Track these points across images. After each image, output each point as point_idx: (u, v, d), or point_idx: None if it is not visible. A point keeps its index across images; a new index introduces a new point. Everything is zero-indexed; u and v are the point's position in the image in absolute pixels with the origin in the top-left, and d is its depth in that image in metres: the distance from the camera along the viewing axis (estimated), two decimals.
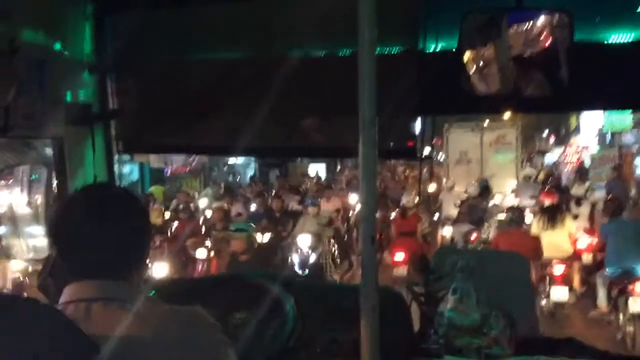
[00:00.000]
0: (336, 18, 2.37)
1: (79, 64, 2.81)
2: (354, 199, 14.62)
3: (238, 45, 2.81)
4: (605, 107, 5.48)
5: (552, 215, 8.70)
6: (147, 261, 1.56)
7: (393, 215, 11.82)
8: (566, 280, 8.34)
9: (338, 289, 2.59)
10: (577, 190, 10.84)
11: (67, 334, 1.10)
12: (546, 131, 45.32)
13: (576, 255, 8.98)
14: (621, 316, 7.24)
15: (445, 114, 2.73)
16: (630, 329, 7.05)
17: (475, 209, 11.35)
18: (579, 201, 10.40)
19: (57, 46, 2.65)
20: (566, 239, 8.65)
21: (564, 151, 31.02)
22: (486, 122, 20.82)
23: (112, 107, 2.99)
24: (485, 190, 13.42)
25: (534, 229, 8.77)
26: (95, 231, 1.41)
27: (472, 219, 10.73)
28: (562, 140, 39.41)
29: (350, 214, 14.11)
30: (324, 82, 2.60)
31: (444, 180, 17.55)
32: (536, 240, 8.32)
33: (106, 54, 2.90)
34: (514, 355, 2.10)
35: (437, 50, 2.34)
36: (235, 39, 2.80)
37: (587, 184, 19.10)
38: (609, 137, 21.53)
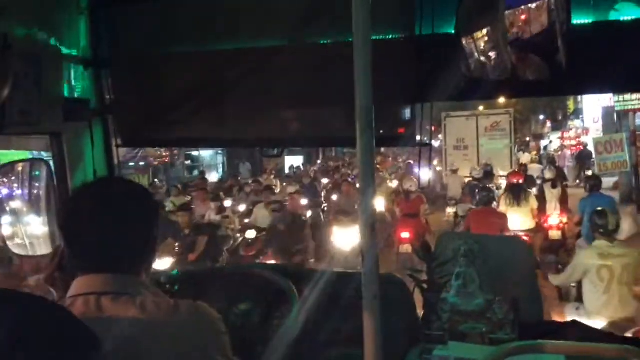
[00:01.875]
0: (331, 4, 2.36)
1: (74, 58, 2.80)
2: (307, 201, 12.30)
3: (235, 36, 2.80)
4: (604, 89, 5.47)
5: (517, 194, 9.78)
6: (155, 254, 1.55)
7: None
8: None
9: (341, 278, 2.59)
10: (549, 174, 11.78)
11: (69, 329, 1.10)
12: (542, 116, 44.85)
13: (538, 229, 9.98)
14: None
15: (443, 99, 2.71)
16: None
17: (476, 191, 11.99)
18: (554, 184, 11.31)
19: (52, 41, 2.63)
20: (529, 215, 9.69)
21: (562, 136, 30.72)
22: (481, 108, 22.01)
23: (110, 101, 2.98)
24: (487, 175, 14.54)
25: (502, 206, 9.83)
26: (102, 225, 1.41)
27: (473, 200, 11.55)
28: (560, 124, 39.05)
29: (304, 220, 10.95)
30: (320, 70, 2.58)
31: (444, 165, 19.00)
32: (503, 216, 9.21)
33: (102, 48, 2.88)
34: (518, 340, 2.10)
35: (434, 35, 2.32)
36: (232, 30, 2.78)
37: (590, 172, 18.83)
38: (615, 119, 19.47)
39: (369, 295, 1.42)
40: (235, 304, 2.43)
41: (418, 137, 2.62)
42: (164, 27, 2.86)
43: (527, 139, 36.79)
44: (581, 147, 23.99)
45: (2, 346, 0.97)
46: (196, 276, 2.67)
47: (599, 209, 6.62)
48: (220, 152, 29.27)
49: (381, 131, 2.55)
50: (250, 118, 2.91)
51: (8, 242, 2.82)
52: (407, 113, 2.51)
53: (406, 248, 9.98)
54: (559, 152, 28.22)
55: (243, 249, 9.86)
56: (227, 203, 13.21)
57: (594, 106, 25.35)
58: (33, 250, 2.76)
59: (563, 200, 11.05)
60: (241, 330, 2.23)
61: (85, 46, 2.84)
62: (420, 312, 2.39)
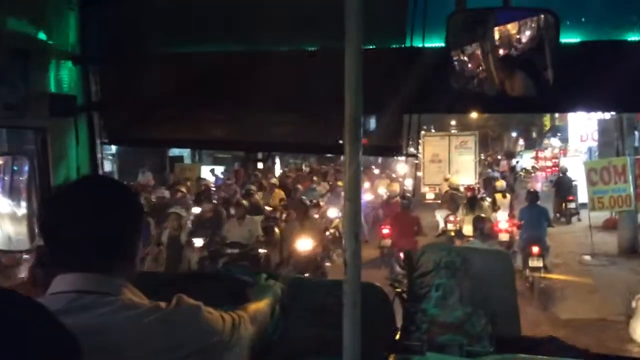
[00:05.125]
0: (324, 13, 2.36)
1: (63, 54, 2.77)
2: None
3: (225, 38, 2.80)
4: (590, 108, 5.58)
5: (472, 204, 12.58)
6: (139, 253, 1.54)
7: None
8: None
9: (322, 285, 2.58)
10: (501, 185, 14.83)
11: (46, 327, 1.09)
12: (514, 133, 43.96)
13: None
14: (527, 271, 10.37)
15: (431, 111, 2.75)
16: (530, 279, 10.30)
17: (453, 199, 14.74)
18: (504, 194, 14.15)
19: (41, 36, 2.61)
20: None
21: (536, 155, 30.12)
22: (453, 122, 27.35)
23: (96, 98, 2.96)
24: (487, 182, 17.66)
25: (460, 214, 12.61)
26: (82, 225, 1.40)
27: (450, 206, 13.83)
28: (534, 142, 38.20)
29: None
30: (311, 77, 2.59)
31: (422, 175, 22.90)
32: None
33: (91, 44, 2.86)
34: (495, 353, 2.11)
35: (425, 48, 2.34)
36: (222, 32, 2.78)
37: (572, 205, 18.16)
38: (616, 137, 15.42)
39: (349, 303, 1.42)
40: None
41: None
42: (154, 27, 2.85)
43: (499, 157, 35.96)
44: (557, 169, 21.72)
45: None
46: (174, 278, 2.65)
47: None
48: (110, 157, 22.81)
49: (377, 140, 2.58)
50: (236, 121, 2.90)
51: None
52: (401, 124, 2.53)
53: (386, 242, 12.09)
54: (532, 174, 27.72)
55: None
56: None
57: (582, 121, 21.81)
58: (12, 246, 2.72)
59: (511, 208, 13.56)
60: None
61: (74, 42, 2.82)
62: (399, 322, 2.40)
